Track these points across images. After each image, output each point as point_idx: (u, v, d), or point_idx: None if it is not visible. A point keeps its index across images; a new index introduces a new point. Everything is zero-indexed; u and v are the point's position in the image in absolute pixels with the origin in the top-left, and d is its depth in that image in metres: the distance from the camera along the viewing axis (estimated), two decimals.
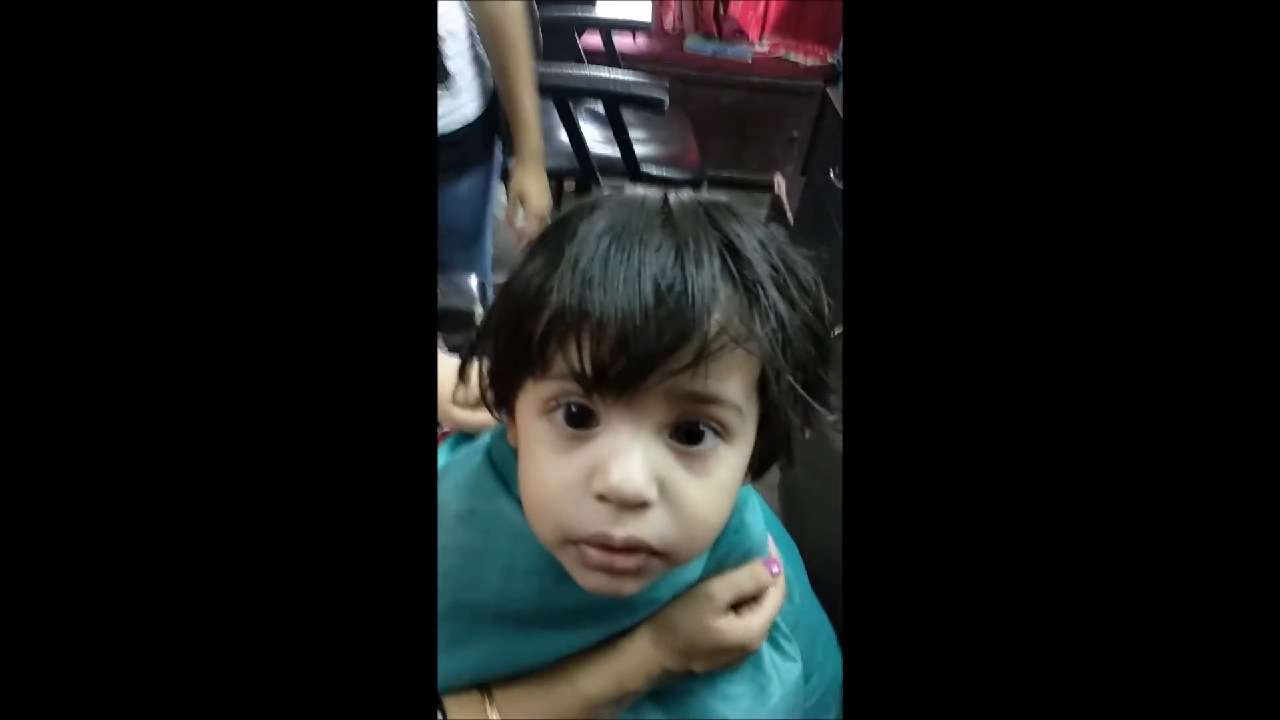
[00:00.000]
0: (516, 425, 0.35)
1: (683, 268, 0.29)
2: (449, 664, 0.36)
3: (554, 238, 0.32)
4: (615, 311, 0.28)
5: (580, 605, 0.34)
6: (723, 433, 0.31)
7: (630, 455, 0.30)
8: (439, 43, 0.88)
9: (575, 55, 1.75)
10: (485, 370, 0.36)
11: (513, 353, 0.32)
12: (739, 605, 0.39)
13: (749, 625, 0.39)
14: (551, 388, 0.31)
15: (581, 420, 0.31)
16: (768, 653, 0.42)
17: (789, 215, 1.75)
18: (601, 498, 0.30)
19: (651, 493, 0.30)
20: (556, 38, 1.67)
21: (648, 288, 0.28)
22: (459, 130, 0.96)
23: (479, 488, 0.38)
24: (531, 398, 0.32)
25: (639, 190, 0.34)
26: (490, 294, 0.79)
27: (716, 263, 0.30)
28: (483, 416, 0.50)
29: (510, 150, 1.05)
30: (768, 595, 0.41)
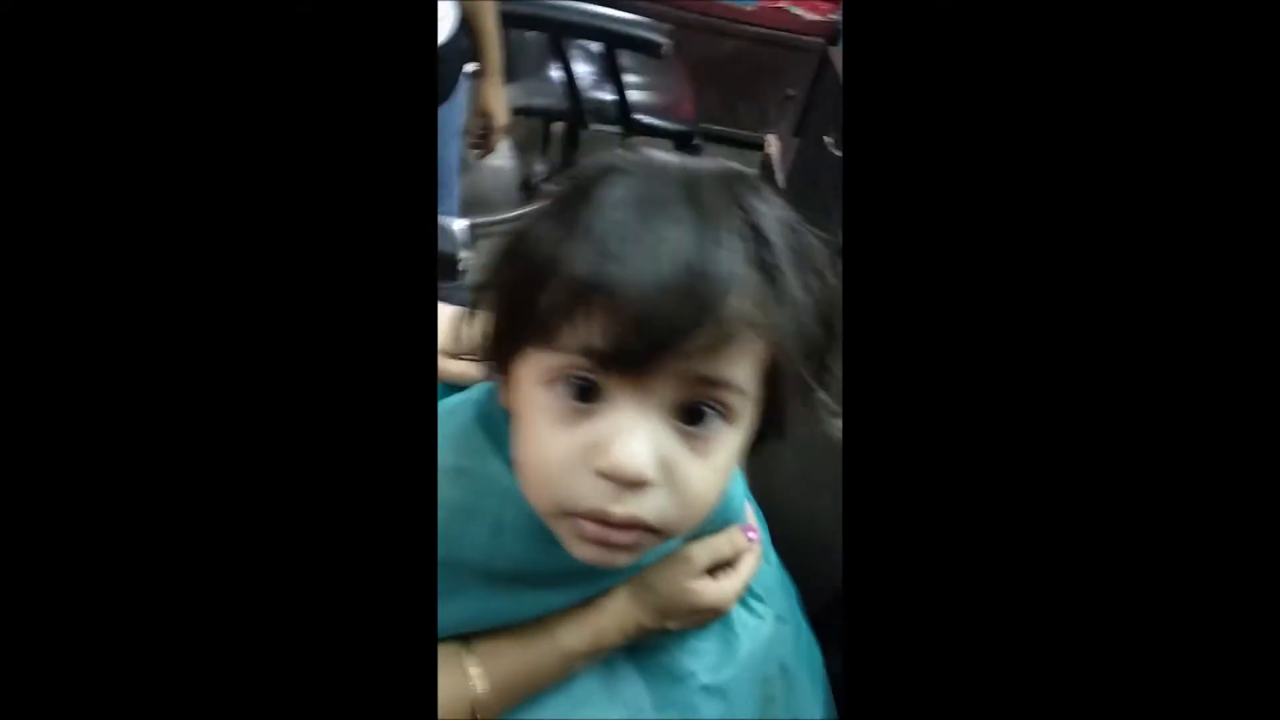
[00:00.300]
0: (512, 388, 0.34)
1: (704, 246, 0.28)
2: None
3: (569, 200, 0.31)
4: (632, 288, 0.27)
5: (565, 567, 0.34)
6: (726, 414, 0.31)
7: (635, 435, 0.29)
8: None
9: None
10: (483, 328, 0.35)
11: (516, 318, 0.31)
12: (715, 569, 0.40)
13: (723, 588, 0.40)
14: (557, 359, 0.30)
15: (586, 394, 0.30)
16: (738, 613, 0.43)
17: (779, 178, 1.73)
18: (602, 474, 0.30)
19: (654, 473, 0.30)
20: None
21: (667, 266, 0.28)
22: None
23: (469, 445, 0.38)
24: (533, 365, 0.32)
25: (659, 154, 0.33)
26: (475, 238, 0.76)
27: (738, 243, 0.29)
28: (470, 368, 0.49)
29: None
30: (743, 560, 0.41)
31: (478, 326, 0.35)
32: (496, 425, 0.38)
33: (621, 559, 0.32)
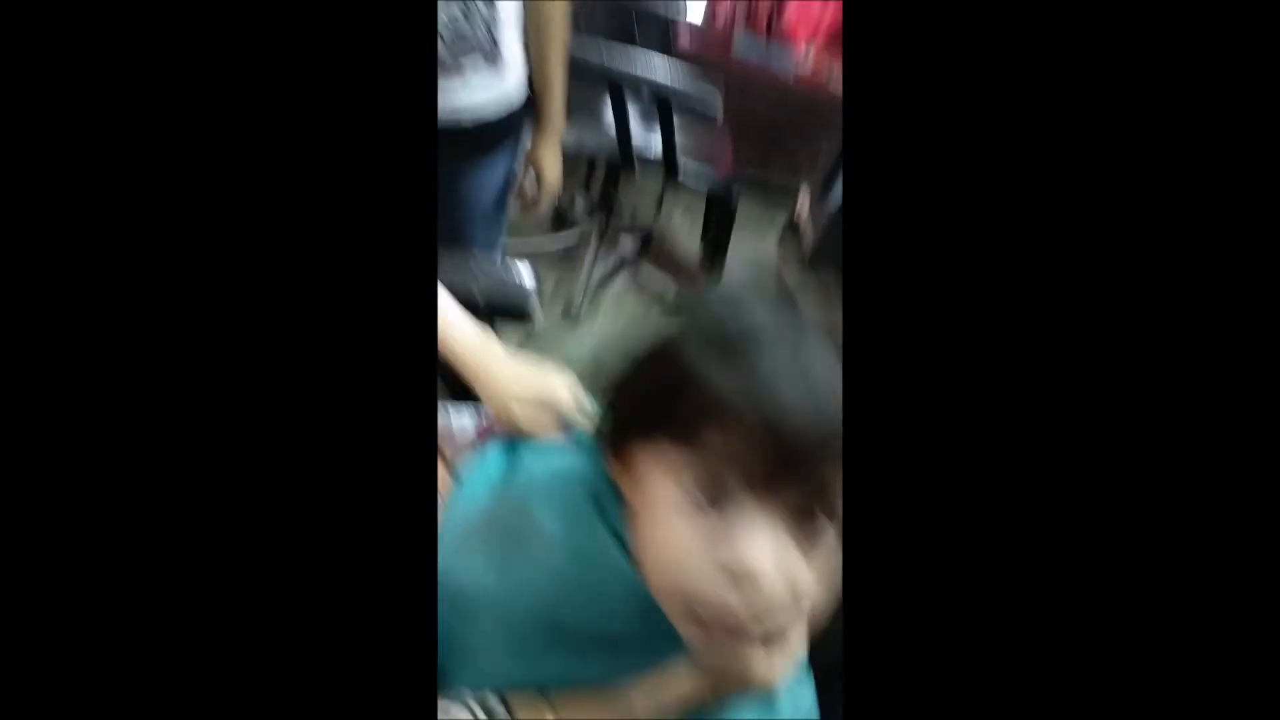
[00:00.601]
0: (631, 471, 0.38)
1: (838, 369, 0.32)
2: (520, 669, 0.39)
3: (714, 322, 0.35)
4: (776, 410, 0.31)
5: (655, 635, 0.38)
6: (834, 517, 0.34)
7: (759, 533, 0.33)
8: (493, 17, 0.86)
9: (630, 36, 1.74)
10: (608, 413, 0.39)
11: (653, 417, 0.35)
12: (768, 639, 0.43)
13: (774, 661, 0.43)
14: (692, 460, 0.34)
15: (717, 493, 0.33)
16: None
17: (806, 235, 1.79)
18: (725, 567, 0.33)
19: (775, 572, 0.33)
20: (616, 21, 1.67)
21: (812, 389, 0.31)
22: (504, 116, 0.95)
23: (580, 518, 0.41)
24: (663, 459, 0.35)
25: (795, 276, 0.37)
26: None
27: None
28: (544, 422, 0.52)
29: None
30: (795, 632, 0.45)
31: (596, 408, 0.39)
32: (605, 499, 0.41)
33: (727, 643, 0.36)
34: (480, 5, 0.84)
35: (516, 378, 0.53)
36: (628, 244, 1.91)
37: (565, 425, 0.51)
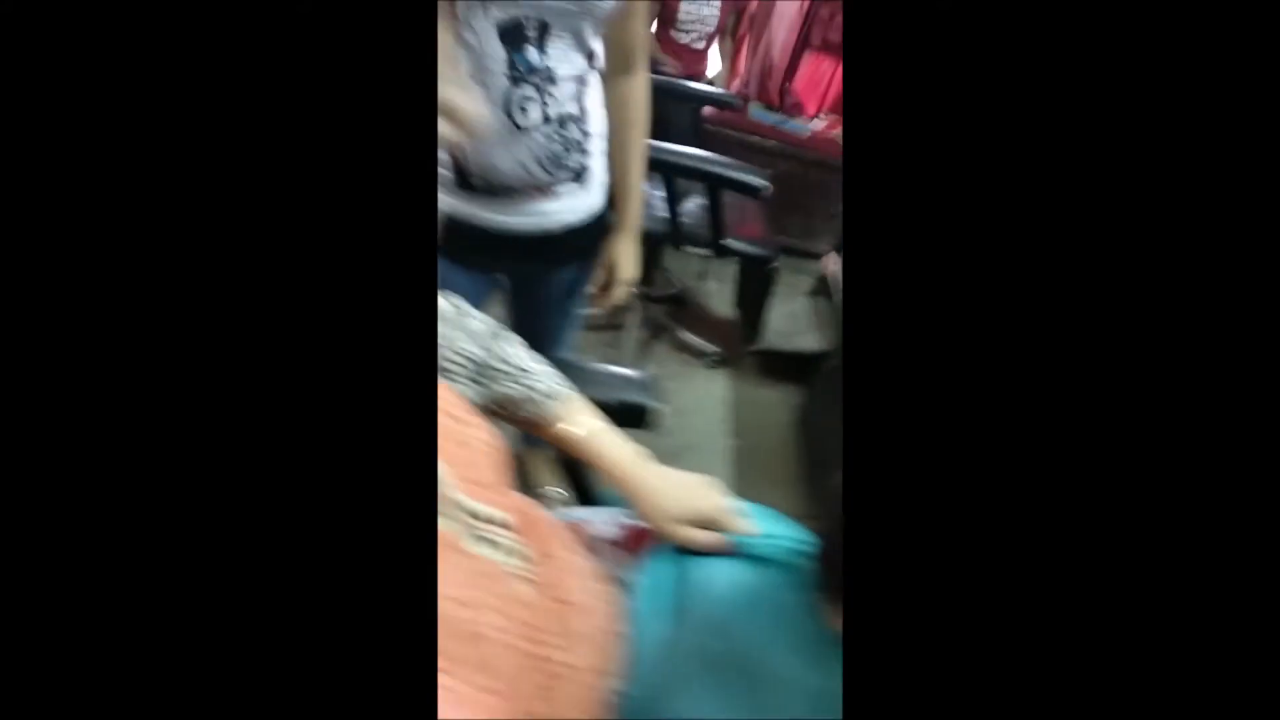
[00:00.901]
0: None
1: None
2: None
3: None
4: None
5: None
6: None
7: None
8: (585, 142, 0.92)
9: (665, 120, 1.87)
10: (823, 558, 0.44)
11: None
12: None
13: None
14: None
15: None
16: None
17: (836, 291, 1.89)
18: None
19: None
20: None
21: None
22: (587, 221, 1.01)
23: (816, 659, 0.42)
24: None
25: None
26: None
27: None
28: (706, 539, 0.51)
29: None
30: None
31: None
32: (819, 637, 0.43)
33: None
34: (578, 136, 0.90)
35: (675, 496, 0.52)
36: (667, 308, 2.02)
37: (728, 538, 0.52)
